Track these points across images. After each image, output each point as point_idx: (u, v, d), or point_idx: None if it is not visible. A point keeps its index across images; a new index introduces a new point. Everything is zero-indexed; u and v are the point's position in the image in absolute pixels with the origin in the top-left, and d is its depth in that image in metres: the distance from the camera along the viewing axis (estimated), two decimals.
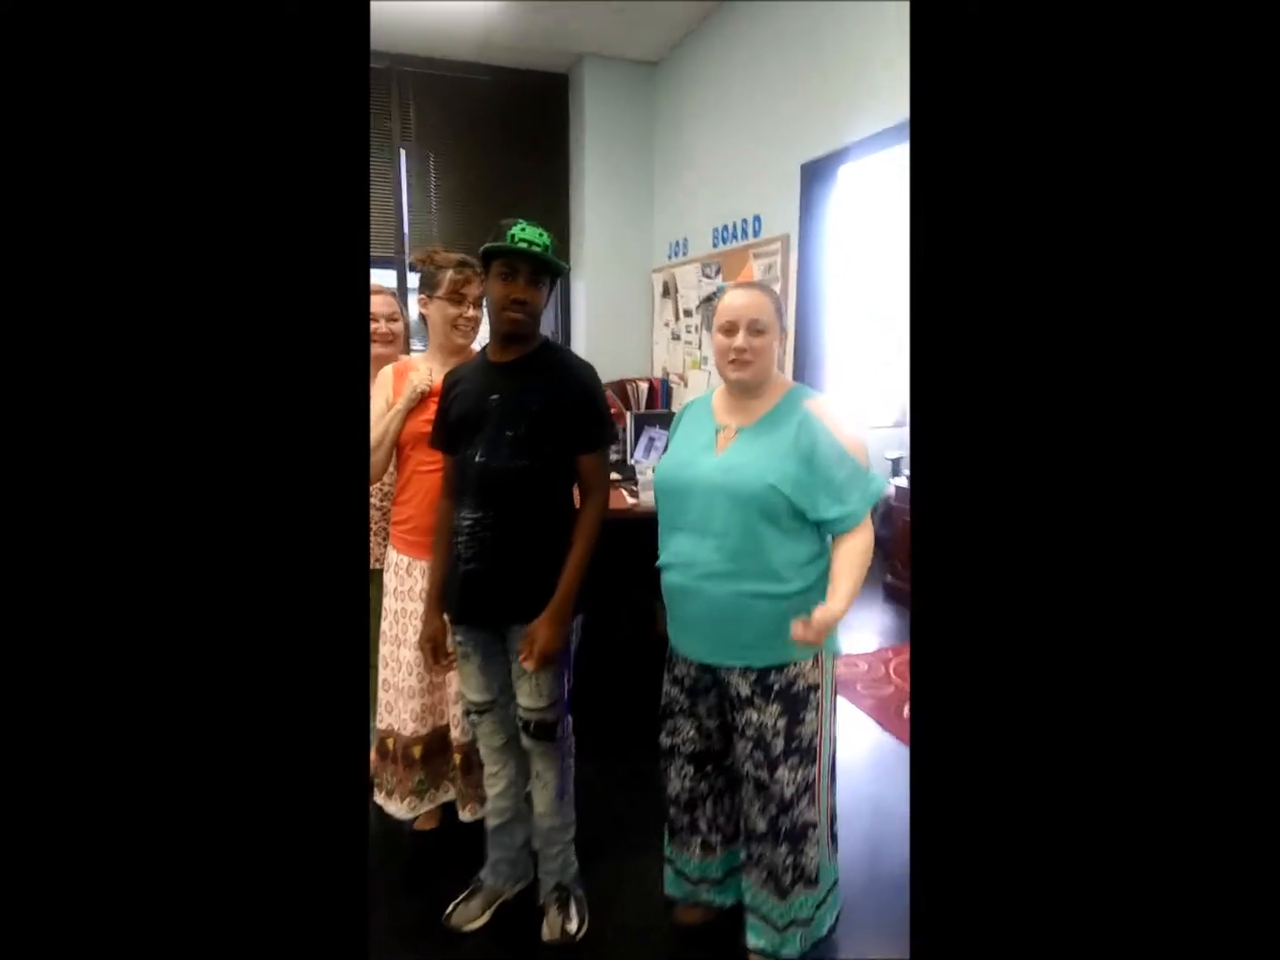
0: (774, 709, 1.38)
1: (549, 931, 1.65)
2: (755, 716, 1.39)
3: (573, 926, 1.65)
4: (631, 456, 3.63)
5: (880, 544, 4.54)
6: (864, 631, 3.59)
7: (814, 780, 1.42)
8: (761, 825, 1.44)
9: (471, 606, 1.51)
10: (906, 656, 3.22)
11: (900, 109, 2.31)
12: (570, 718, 1.65)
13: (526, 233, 1.42)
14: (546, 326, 4.29)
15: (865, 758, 2.46)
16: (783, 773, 1.39)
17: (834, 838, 1.52)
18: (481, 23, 3.48)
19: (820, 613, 1.22)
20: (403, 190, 3.90)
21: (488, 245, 1.44)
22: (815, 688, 1.40)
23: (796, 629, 1.21)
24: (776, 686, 1.38)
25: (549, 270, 1.46)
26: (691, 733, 1.53)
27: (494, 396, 1.47)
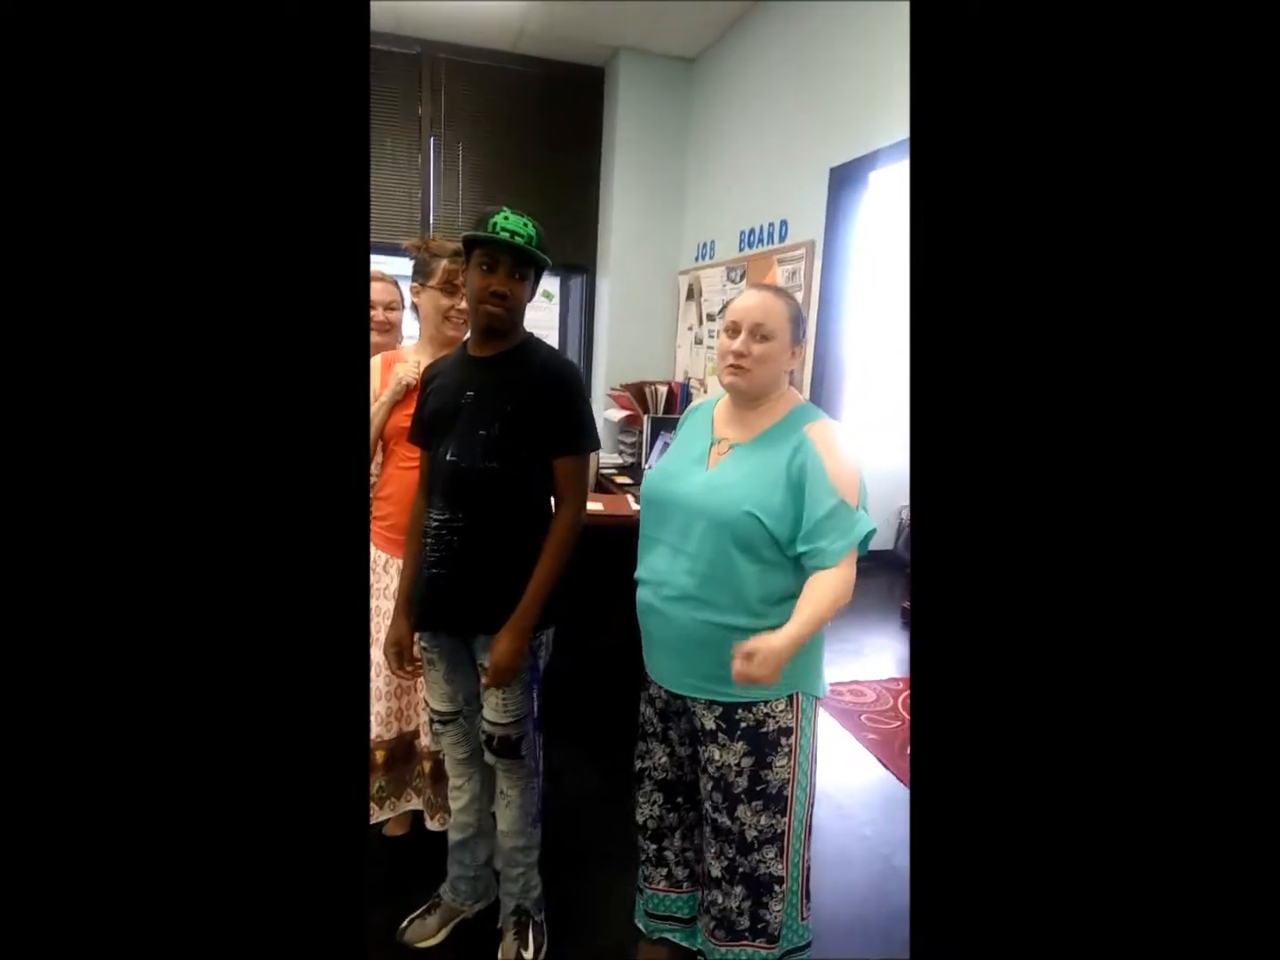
0: (739, 748, 1.27)
1: (504, 957, 1.57)
2: (718, 754, 1.29)
3: (528, 955, 1.57)
4: (646, 461, 3.55)
5: (901, 569, 4.41)
6: (877, 657, 3.44)
7: (784, 832, 1.30)
8: (716, 870, 1.34)
9: (434, 613, 1.44)
10: None
11: None
12: (539, 735, 1.57)
13: (510, 222, 1.34)
14: (573, 325, 4.28)
15: (862, 797, 2.32)
16: (744, 814, 1.29)
17: (807, 895, 1.39)
18: (517, 12, 3.43)
19: (760, 641, 1.06)
20: (430, 178, 3.87)
21: (467, 233, 1.37)
22: (788, 732, 1.27)
23: (736, 663, 1.06)
24: (743, 725, 1.27)
25: (533, 263, 1.38)
26: (663, 759, 1.44)
27: (469, 393, 1.39)
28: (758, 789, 1.28)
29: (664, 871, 1.50)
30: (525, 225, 1.34)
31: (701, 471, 1.29)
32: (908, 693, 3.05)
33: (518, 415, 1.36)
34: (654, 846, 1.50)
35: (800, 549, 1.19)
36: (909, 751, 2.56)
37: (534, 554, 1.39)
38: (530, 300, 1.44)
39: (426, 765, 1.82)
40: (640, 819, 1.50)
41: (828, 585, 1.15)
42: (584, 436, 1.42)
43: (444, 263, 1.68)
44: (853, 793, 2.33)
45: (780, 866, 1.31)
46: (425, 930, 1.63)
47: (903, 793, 2.35)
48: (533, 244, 1.35)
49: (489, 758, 1.51)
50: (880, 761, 2.51)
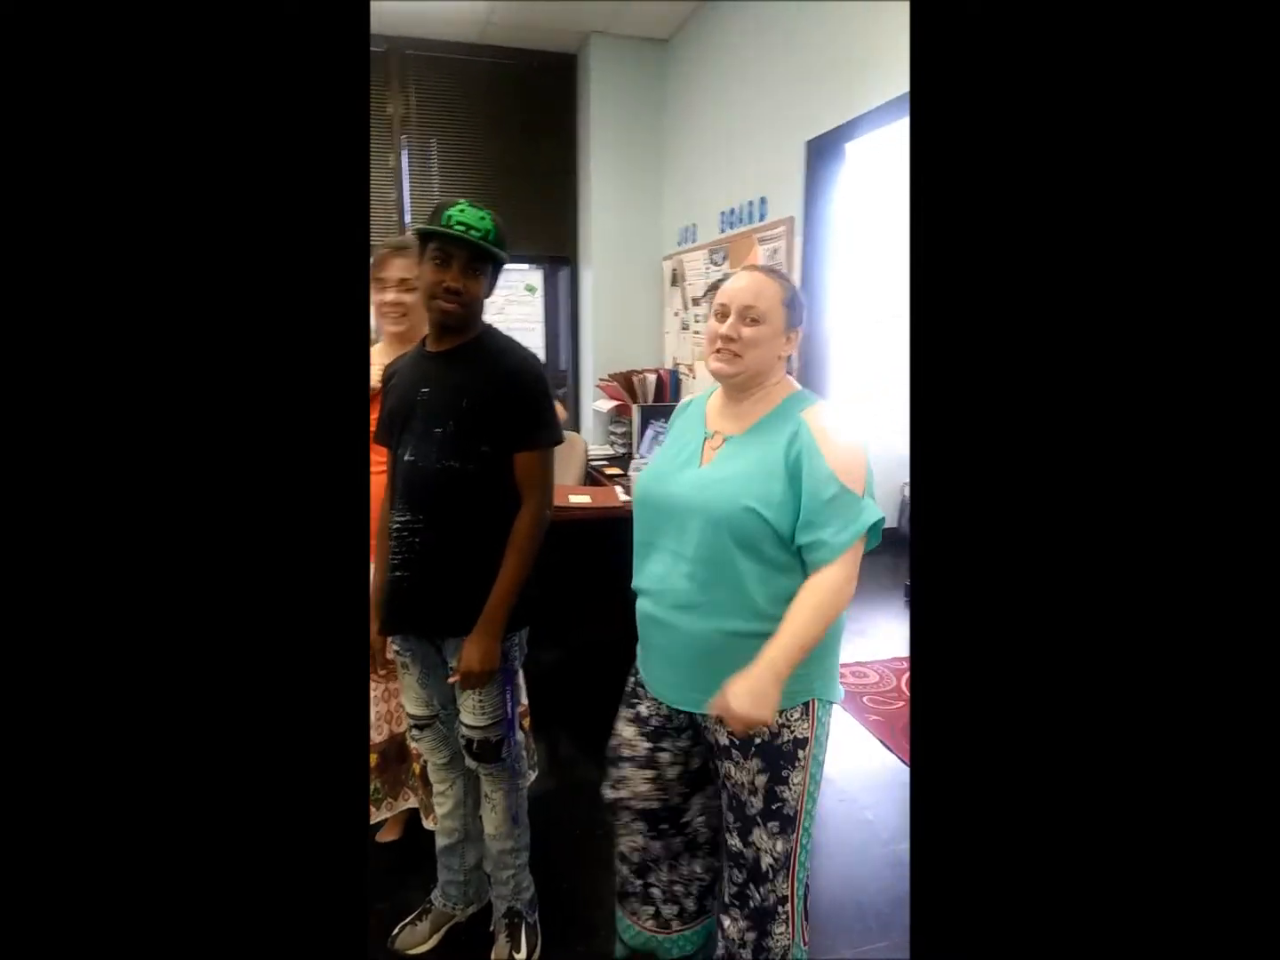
0: (754, 765, 1.18)
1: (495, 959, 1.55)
2: (734, 772, 1.20)
3: (520, 956, 1.55)
4: (637, 451, 3.51)
5: (905, 547, 4.35)
6: (880, 637, 3.40)
7: (792, 851, 1.22)
8: (728, 895, 1.26)
9: (399, 616, 1.41)
10: None
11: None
12: (520, 735, 1.54)
13: (466, 215, 1.30)
14: (563, 317, 4.24)
15: (864, 781, 2.28)
16: (759, 837, 1.20)
17: (806, 915, 1.30)
18: (483, 2, 3.37)
19: (738, 684, 1.01)
20: (404, 178, 3.82)
21: (419, 226, 1.33)
22: (803, 744, 1.18)
23: (717, 711, 1.04)
24: (759, 739, 1.17)
25: (488, 258, 1.34)
26: (642, 787, 1.31)
27: (423, 390, 1.36)
28: (773, 808, 1.19)
29: (651, 910, 1.38)
30: (482, 219, 1.31)
31: (694, 468, 1.22)
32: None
33: (474, 411, 1.33)
34: (639, 882, 1.37)
35: (800, 541, 1.11)
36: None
37: (499, 553, 1.36)
38: (489, 295, 1.40)
39: (417, 766, 1.81)
40: (623, 850, 1.37)
41: (821, 590, 1.08)
42: (543, 429, 1.38)
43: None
44: (854, 776, 2.30)
45: (786, 887, 1.23)
46: (416, 936, 1.61)
47: (906, 774, 2.31)
48: (489, 238, 1.31)
49: (470, 762, 1.49)
50: (883, 743, 2.48)
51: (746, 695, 1.01)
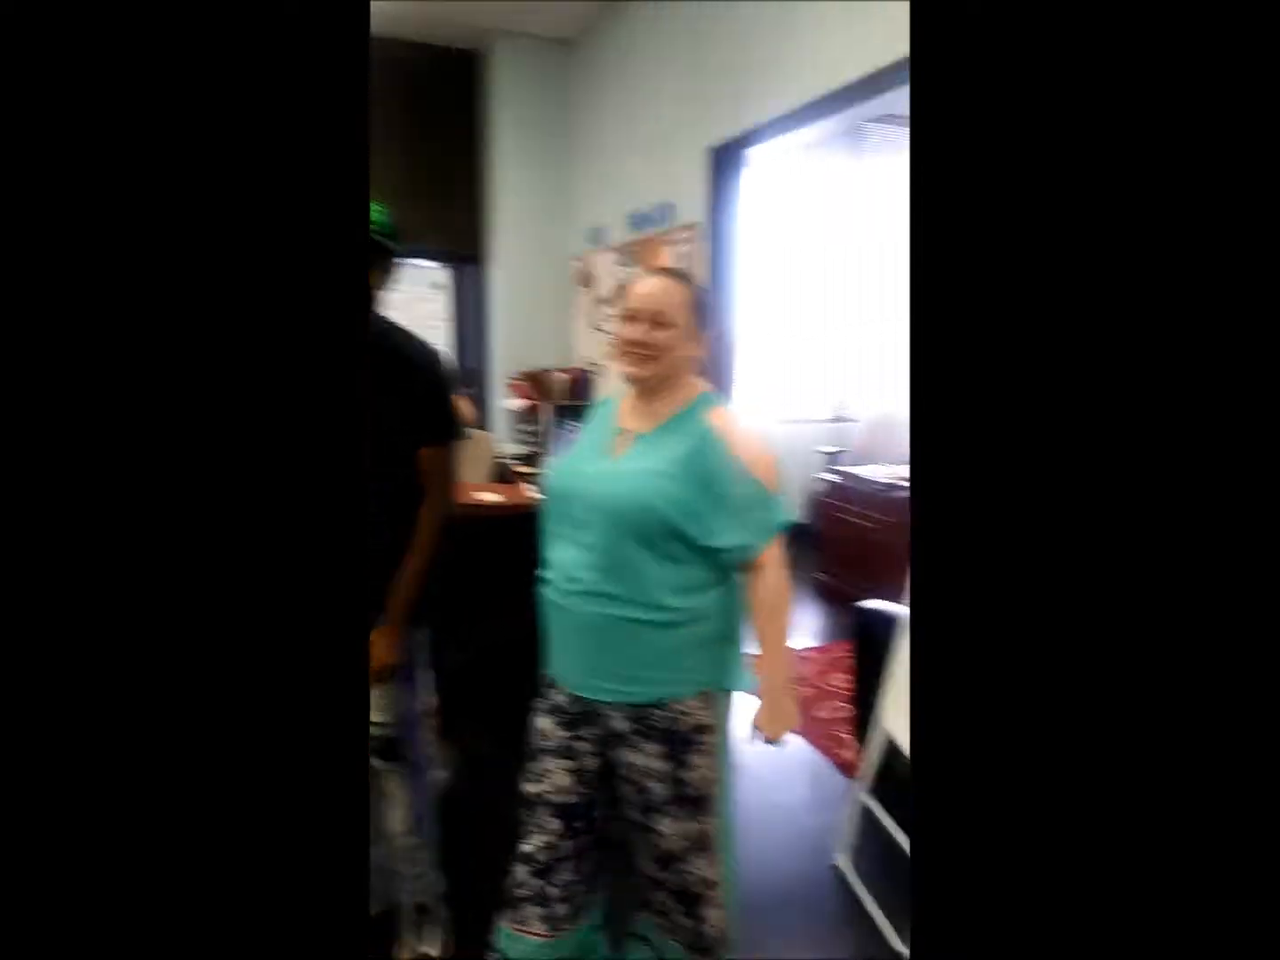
0: (653, 749, 1.20)
1: (404, 955, 1.54)
2: (631, 756, 1.22)
3: (426, 949, 1.55)
4: (549, 449, 3.52)
5: (809, 538, 4.50)
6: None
7: (708, 834, 1.24)
8: (651, 870, 1.27)
9: None
10: (831, 657, 3.16)
11: (811, 87, 2.22)
12: (423, 734, 1.54)
13: None
14: (470, 316, 4.20)
15: (775, 764, 2.37)
16: (666, 824, 1.22)
17: (735, 894, 1.33)
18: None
19: (758, 716, 1.19)
20: None
21: None
22: (704, 729, 1.21)
23: (758, 735, 1.20)
24: (657, 725, 1.19)
25: (378, 250, 1.33)
26: (564, 780, 1.27)
27: None
28: (679, 795, 1.21)
29: (541, 912, 1.27)
30: (374, 211, 1.30)
31: (603, 463, 1.25)
32: (821, 659, 3.14)
33: (371, 406, 1.31)
34: (539, 883, 1.27)
35: (720, 542, 1.15)
36: (817, 715, 2.63)
37: (401, 550, 1.35)
38: (384, 288, 1.40)
39: None
40: (529, 849, 1.28)
41: (772, 598, 1.20)
42: (444, 426, 1.38)
43: None
44: (766, 761, 2.37)
45: (707, 870, 1.25)
46: None
47: (814, 758, 2.41)
48: (381, 230, 1.31)
49: (373, 761, 1.47)
50: (793, 730, 2.57)
51: (768, 718, 1.20)
